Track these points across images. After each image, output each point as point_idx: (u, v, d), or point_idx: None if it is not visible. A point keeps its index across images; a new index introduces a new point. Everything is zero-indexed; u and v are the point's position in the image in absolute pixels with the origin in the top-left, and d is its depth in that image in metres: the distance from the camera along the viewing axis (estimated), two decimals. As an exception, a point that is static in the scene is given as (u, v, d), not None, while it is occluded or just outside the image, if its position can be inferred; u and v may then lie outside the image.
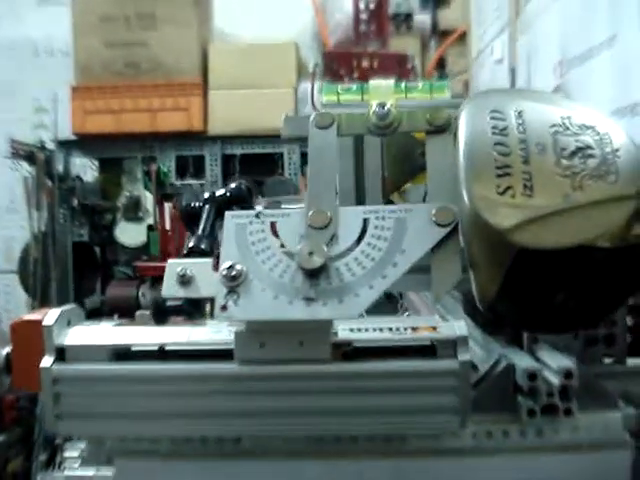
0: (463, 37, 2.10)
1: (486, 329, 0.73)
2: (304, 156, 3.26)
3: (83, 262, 3.39)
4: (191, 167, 3.35)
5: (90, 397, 0.60)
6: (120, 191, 3.28)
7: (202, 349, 0.60)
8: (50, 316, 0.61)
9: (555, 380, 0.61)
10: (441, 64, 2.26)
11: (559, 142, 0.51)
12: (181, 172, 3.31)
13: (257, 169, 3.36)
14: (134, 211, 3.19)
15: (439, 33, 2.81)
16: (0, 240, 3.43)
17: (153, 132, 3.19)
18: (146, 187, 3.15)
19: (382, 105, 0.57)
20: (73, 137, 3.25)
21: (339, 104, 1.65)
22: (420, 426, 0.59)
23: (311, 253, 0.52)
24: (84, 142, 3.28)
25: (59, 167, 3.25)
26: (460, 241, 0.52)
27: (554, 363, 0.62)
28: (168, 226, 2.27)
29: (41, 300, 3.25)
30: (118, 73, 3.24)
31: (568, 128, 0.52)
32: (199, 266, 0.54)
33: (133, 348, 0.61)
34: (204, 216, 0.67)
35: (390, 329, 0.59)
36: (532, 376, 0.61)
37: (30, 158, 3.14)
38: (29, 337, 0.66)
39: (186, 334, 0.60)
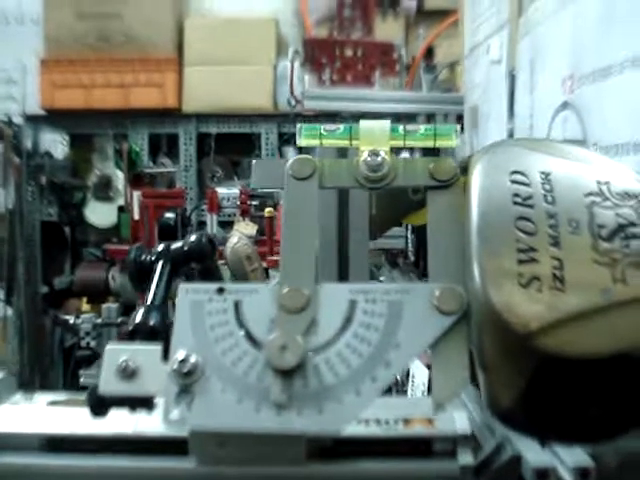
0: (453, 21, 1.99)
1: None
2: (282, 136, 3.15)
3: (52, 241, 3.29)
4: (164, 146, 3.24)
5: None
6: (91, 169, 3.16)
7: (151, 441, 0.50)
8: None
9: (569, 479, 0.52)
10: (429, 52, 2.15)
11: (596, 217, 0.41)
12: (154, 151, 3.20)
13: (233, 149, 3.26)
14: (105, 191, 3.09)
15: (425, 14, 2.69)
16: (-35, 217, 3.28)
17: (125, 108, 3.06)
18: (117, 166, 3.03)
19: (375, 153, 0.47)
20: (42, 112, 3.12)
21: (323, 97, 1.51)
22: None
23: (284, 347, 0.42)
24: (53, 117, 3.16)
25: (27, 143, 3.13)
26: (469, 334, 0.42)
27: (568, 457, 0.53)
28: (137, 215, 2.15)
29: (8, 280, 3.14)
30: (89, 46, 3.10)
31: (607, 198, 0.41)
32: (145, 355, 0.44)
33: (70, 437, 0.50)
34: (156, 278, 0.56)
35: (378, 421, 0.49)
36: (542, 475, 0.52)
37: (-3, 133, 3.00)
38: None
39: (132, 422, 0.50)
